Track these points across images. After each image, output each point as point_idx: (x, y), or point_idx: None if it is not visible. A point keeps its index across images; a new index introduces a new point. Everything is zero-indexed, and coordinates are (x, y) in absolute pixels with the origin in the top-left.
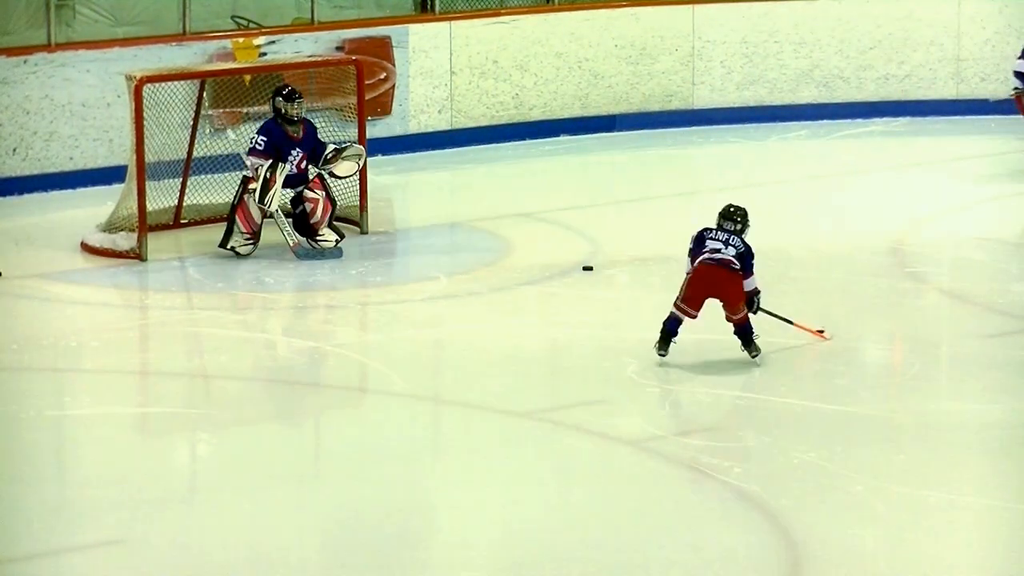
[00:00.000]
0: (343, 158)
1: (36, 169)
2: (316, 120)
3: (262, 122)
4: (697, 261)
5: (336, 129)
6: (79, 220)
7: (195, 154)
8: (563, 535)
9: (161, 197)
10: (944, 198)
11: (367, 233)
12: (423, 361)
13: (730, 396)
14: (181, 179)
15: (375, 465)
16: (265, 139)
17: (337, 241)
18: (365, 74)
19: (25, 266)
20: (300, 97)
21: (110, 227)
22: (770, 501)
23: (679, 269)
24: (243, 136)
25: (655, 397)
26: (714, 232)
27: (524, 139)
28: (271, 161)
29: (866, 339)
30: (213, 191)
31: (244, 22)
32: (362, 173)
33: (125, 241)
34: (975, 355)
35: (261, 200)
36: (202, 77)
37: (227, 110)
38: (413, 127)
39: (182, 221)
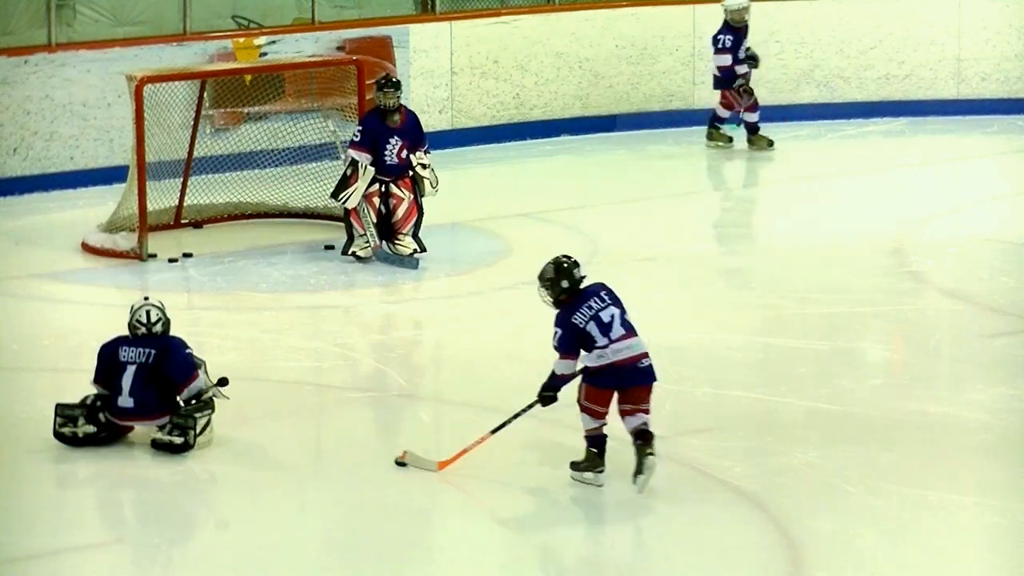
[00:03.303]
0: (426, 178)
1: (36, 169)
2: (316, 120)
3: (262, 123)
4: None
5: (336, 129)
6: (79, 220)
7: (196, 154)
8: (563, 535)
9: (162, 197)
10: (944, 198)
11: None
12: (423, 361)
13: (730, 396)
14: (182, 179)
15: (375, 465)
16: (361, 129)
17: (415, 251)
18: (366, 74)
19: (25, 266)
20: (390, 87)
21: (111, 227)
22: (770, 501)
23: (679, 269)
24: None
25: (655, 397)
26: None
27: (524, 139)
28: (352, 160)
29: (866, 339)
30: (214, 191)
31: (245, 22)
32: None
33: (125, 241)
34: (975, 355)
35: (335, 195)
36: (203, 77)
37: (228, 110)
38: None
39: (182, 221)
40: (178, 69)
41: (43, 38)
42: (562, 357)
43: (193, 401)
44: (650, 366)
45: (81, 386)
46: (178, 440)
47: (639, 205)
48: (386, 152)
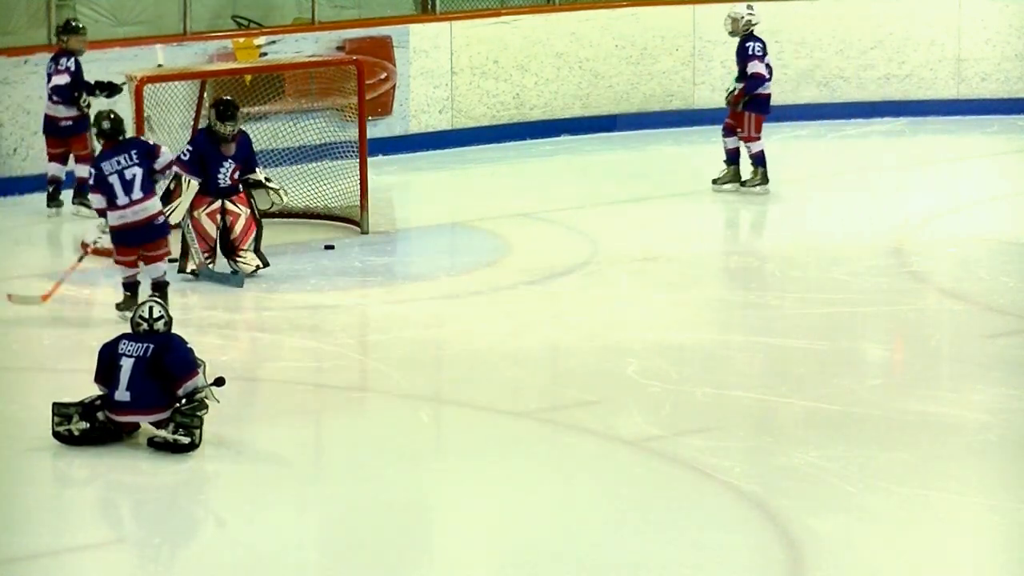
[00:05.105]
0: (264, 190)
1: (36, 169)
2: (316, 120)
3: (261, 123)
4: None
5: (337, 129)
6: (79, 220)
7: None
8: (563, 535)
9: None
10: (944, 198)
11: (367, 233)
12: (423, 361)
13: (730, 396)
14: None
15: (375, 465)
16: (191, 149)
17: (258, 267)
18: (366, 74)
19: (25, 266)
20: (228, 119)
21: None
22: (770, 501)
23: (679, 269)
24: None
25: (655, 397)
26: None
27: (524, 139)
28: (175, 173)
29: (866, 339)
30: None
31: (245, 22)
32: (362, 173)
33: None
34: (975, 355)
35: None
36: (203, 77)
37: None
38: (414, 127)
39: None
40: (178, 69)
41: (43, 38)
42: (94, 193)
43: (184, 400)
44: (165, 222)
45: (81, 386)
46: (185, 440)
47: (639, 205)
48: (219, 176)
